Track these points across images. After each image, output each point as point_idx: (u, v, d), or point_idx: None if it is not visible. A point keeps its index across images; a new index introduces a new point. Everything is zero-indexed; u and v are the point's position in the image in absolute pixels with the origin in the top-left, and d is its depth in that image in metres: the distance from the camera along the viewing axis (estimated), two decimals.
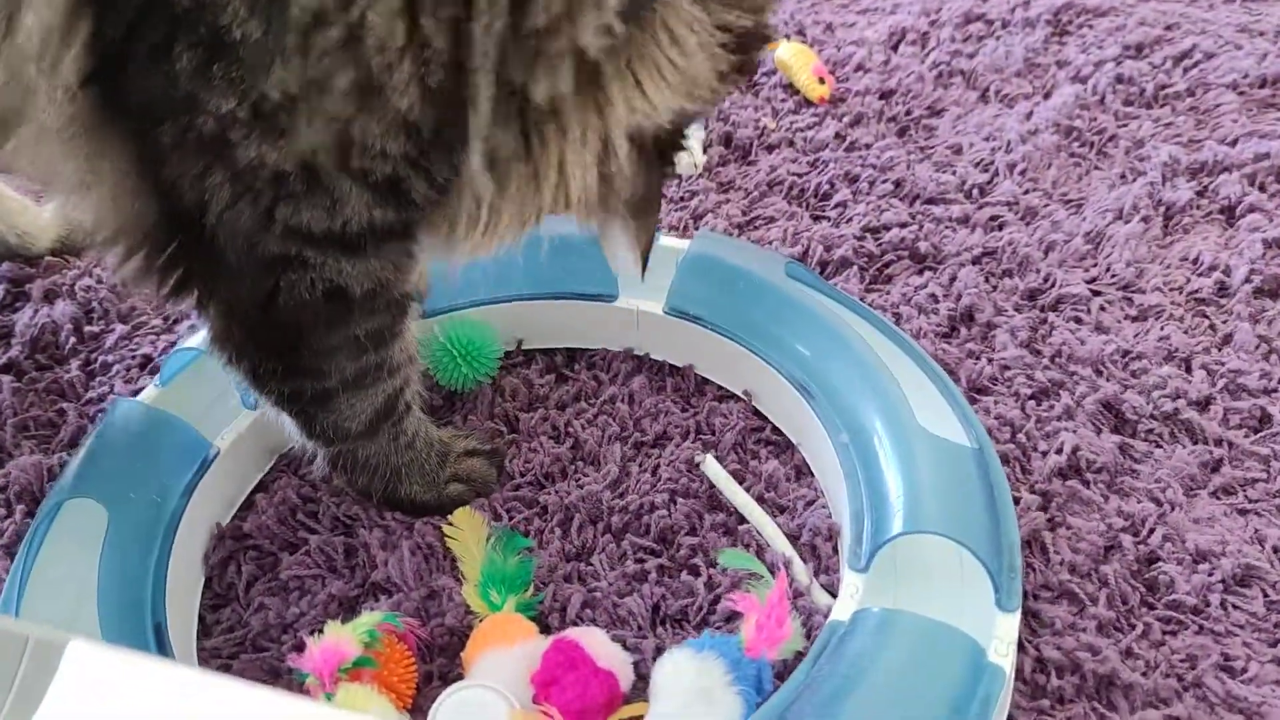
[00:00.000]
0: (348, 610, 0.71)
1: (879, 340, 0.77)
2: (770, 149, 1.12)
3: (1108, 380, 0.84)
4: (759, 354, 0.80)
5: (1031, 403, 0.83)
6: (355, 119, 0.53)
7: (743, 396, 0.83)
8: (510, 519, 0.76)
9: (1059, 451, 0.78)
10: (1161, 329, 0.89)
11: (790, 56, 1.18)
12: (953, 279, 0.94)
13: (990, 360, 0.86)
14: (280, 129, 0.53)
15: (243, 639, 0.70)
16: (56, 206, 0.97)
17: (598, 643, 0.65)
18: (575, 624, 0.69)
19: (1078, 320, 0.90)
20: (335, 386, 0.66)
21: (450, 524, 0.74)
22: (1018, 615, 0.61)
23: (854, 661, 0.59)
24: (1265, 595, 0.70)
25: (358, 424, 0.70)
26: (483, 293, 0.85)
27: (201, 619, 0.72)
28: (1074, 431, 0.80)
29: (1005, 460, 0.78)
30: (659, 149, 0.62)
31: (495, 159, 0.57)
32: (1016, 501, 0.75)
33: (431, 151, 0.56)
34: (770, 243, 0.99)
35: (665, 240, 0.85)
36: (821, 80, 1.17)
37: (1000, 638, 0.60)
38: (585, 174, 0.58)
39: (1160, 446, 0.80)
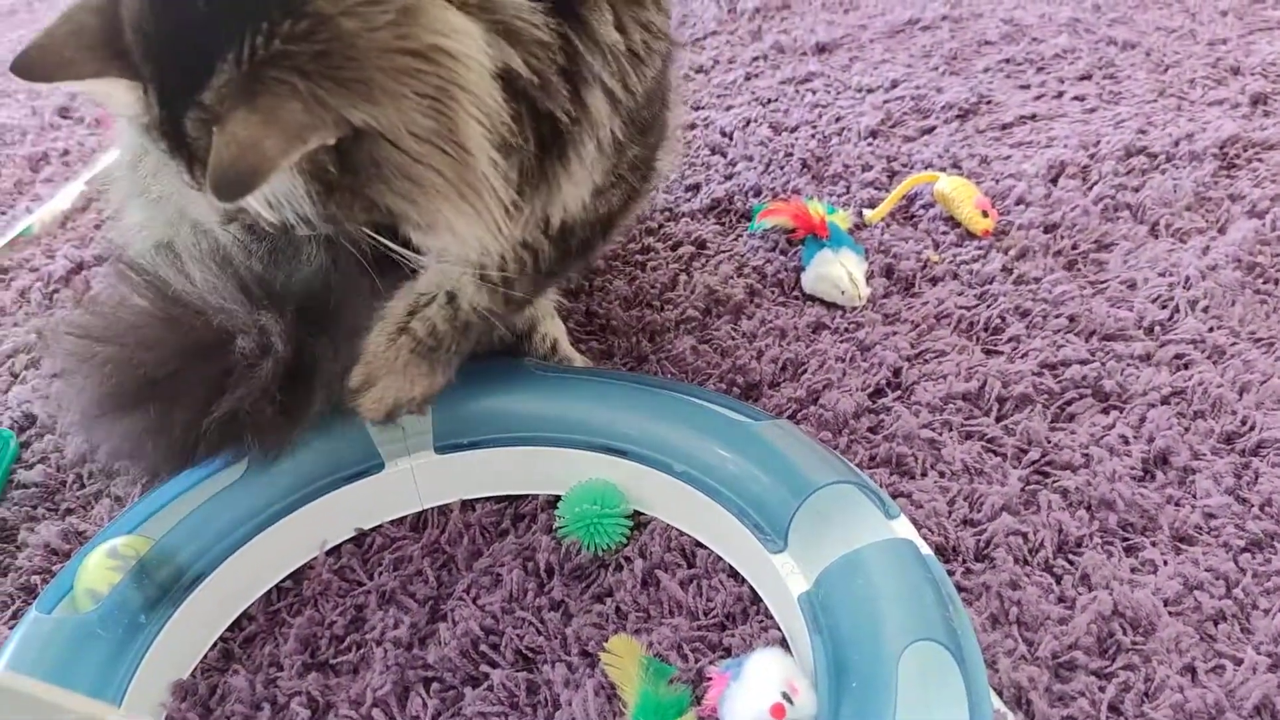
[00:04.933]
0: None
1: None
2: (934, 281, 1.10)
3: None
4: None
5: (1246, 555, 0.78)
6: None
7: None
8: (694, 660, 0.73)
9: None
10: None
11: (951, 190, 1.18)
12: (1142, 419, 0.90)
13: (1193, 508, 0.82)
14: None
15: None
16: None
17: None
18: None
19: None
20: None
21: (608, 651, 0.73)
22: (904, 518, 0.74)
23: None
24: None
25: None
26: None
27: None
28: None
29: (1222, 617, 0.74)
30: None
31: None
32: (1239, 662, 0.70)
33: None
34: (944, 377, 0.96)
35: None
36: (985, 213, 1.16)
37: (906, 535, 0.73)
38: None
39: None
